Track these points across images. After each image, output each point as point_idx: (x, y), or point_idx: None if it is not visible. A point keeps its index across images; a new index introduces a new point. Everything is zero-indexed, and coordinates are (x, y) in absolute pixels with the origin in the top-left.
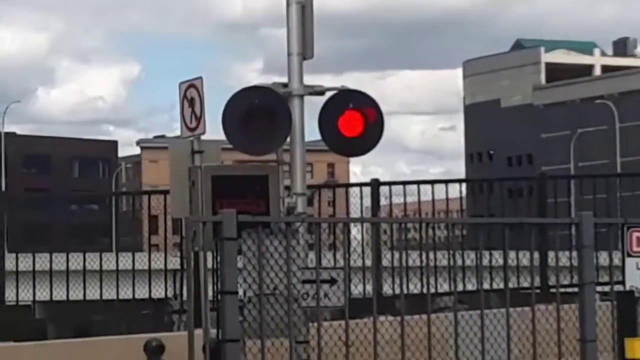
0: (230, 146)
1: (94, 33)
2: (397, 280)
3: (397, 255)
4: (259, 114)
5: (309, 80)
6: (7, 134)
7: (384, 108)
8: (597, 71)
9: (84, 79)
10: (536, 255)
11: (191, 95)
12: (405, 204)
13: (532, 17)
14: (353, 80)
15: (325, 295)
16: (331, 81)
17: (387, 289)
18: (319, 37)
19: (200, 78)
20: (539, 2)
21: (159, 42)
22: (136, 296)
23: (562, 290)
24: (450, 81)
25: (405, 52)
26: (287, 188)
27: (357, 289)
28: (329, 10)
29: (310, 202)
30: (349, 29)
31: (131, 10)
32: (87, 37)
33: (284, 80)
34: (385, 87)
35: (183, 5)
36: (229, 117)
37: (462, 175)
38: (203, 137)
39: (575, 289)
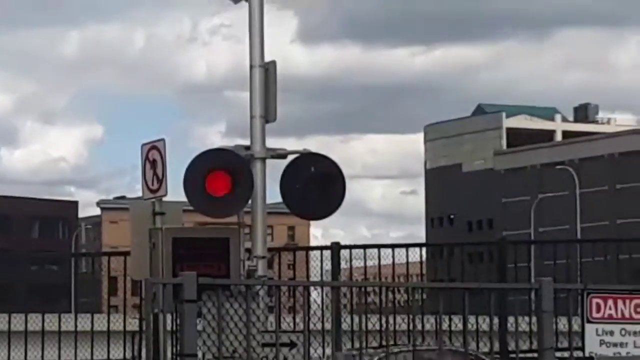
0: (191, 208)
1: (58, 94)
2: (357, 344)
3: (356, 318)
4: (221, 176)
5: (272, 143)
6: None
7: (346, 171)
8: (559, 137)
9: (47, 139)
10: (496, 320)
11: (153, 157)
12: (365, 267)
13: (495, 83)
14: (317, 144)
15: (285, 358)
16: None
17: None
18: (282, 101)
19: (163, 140)
20: (502, 69)
21: (122, 104)
22: (94, 357)
23: (522, 355)
24: (413, 145)
25: (370, 116)
26: (248, 250)
27: (316, 353)
28: (293, 74)
29: (270, 265)
30: (313, 93)
31: (96, 73)
32: (52, 97)
33: (247, 142)
34: (349, 150)
35: (147, 68)
36: (190, 179)
37: (422, 239)
38: (165, 199)
39: (535, 354)
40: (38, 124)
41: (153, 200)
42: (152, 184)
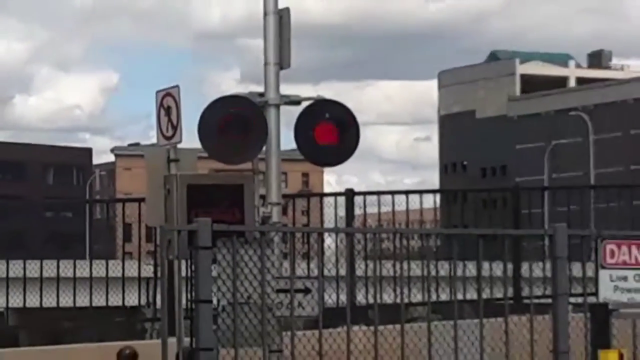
0: (206, 155)
1: (73, 42)
2: (371, 290)
3: (371, 265)
4: (235, 123)
5: (286, 89)
6: None
7: (360, 118)
8: (572, 83)
9: (62, 87)
10: (510, 266)
11: (168, 104)
12: (379, 213)
13: (508, 30)
14: (331, 90)
15: (300, 304)
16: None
17: (360, 299)
18: (297, 48)
19: (177, 87)
20: (515, 16)
21: (137, 52)
22: (109, 304)
23: (536, 301)
24: (427, 92)
25: (384, 63)
26: (262, 197)
27: (330, 299)
28: (308, 21)
29: (284, 212)
30: (328, 39)
31: (111, 20)
32: (67, 45)
33: (261, 89)
34: (363, 97)
35: (162, 15)
36: (205, 126)
37: (436, 185)
38: (179, 146)
39: (549, 300)
40: (53, 72)
41: (168, 147)
42: (167, 131)
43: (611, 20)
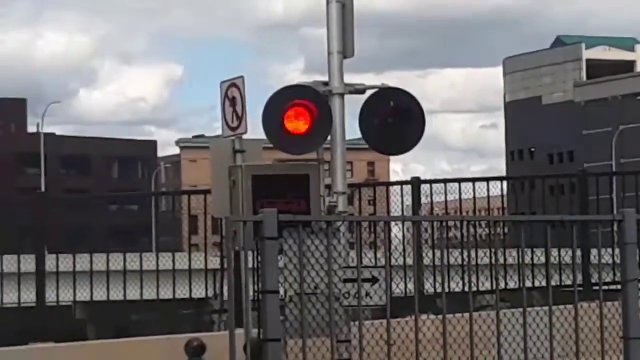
0: (270, 145)
1: (136, 35)
2: (439, 279)
3: (438, 253)
4: (299, 112)
5: (350, 78)
6: (46, 134)
7: (425, 106)
8: (639, 67)
9: (125, 80)
10: (578, 252)
11: (232, 95)
12: (446, 202)
13: (572, 14)
14: (394, 79)
15: (367, 294)
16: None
17: (428, 288)
18: (360, 36)
19: (242, 77)
20: (579, 0)
21: (200, 44)
22: (176, 296)
23: (605, 287)
24: (491, 79)
25: (447, 51)
26: (328, 187)
27: (398, 288)
28: (370, 9)
29: (350, 201)
30: (391, 28)
31: (173, 13)
32: (130, 39)
33: (325, 79)
34: (426, 85)
35: (224, 7)
36: (269, 116)
37: (503, 172)
38: (244, 136)
39: (618, 287)
40: (116, 65)
41: (233, 137)
42: (232, 122)
43: None
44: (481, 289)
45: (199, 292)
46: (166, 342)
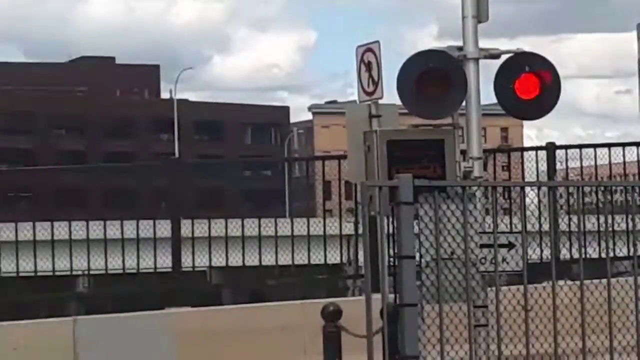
0: (404, 111)
1: (270, 1)
2: (575, 245)
3: (574, 219)
4: (434, 77)
5: (484, 44)
6: (180, 100)
7: (560, 72)
8: None
9: (259, 46)
10: None
11: (368, 59)
12: (581, 167)
13: None
14: (528, 44)
15: (503, 259)
16: (506, 45)
17: (565, 254)
18: (493, 1)
19: (378, 42)
20: None
21: (333, 10)
22: (311, 262)
23: None
24: (627, 44)
25: (581, 16)
26: (462, 152)
27: (535, 254)
28: None
29: (484, 167)
30: None
31: None
32: (264, 5)
33: (459, 44)
34: (560, 50)
35: None
36: (403, 81)
37: (638, 138)
38: (380, 102)
39: None
40: (250, 31)
41: (369, 103)
42: (368, 87)
43: None
44: (618, 255)
45: (333, 257)
46: (302, 307)
